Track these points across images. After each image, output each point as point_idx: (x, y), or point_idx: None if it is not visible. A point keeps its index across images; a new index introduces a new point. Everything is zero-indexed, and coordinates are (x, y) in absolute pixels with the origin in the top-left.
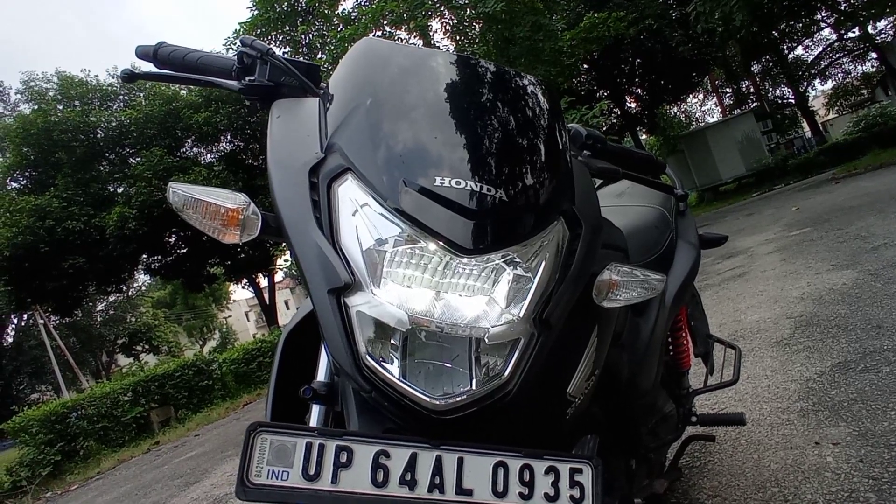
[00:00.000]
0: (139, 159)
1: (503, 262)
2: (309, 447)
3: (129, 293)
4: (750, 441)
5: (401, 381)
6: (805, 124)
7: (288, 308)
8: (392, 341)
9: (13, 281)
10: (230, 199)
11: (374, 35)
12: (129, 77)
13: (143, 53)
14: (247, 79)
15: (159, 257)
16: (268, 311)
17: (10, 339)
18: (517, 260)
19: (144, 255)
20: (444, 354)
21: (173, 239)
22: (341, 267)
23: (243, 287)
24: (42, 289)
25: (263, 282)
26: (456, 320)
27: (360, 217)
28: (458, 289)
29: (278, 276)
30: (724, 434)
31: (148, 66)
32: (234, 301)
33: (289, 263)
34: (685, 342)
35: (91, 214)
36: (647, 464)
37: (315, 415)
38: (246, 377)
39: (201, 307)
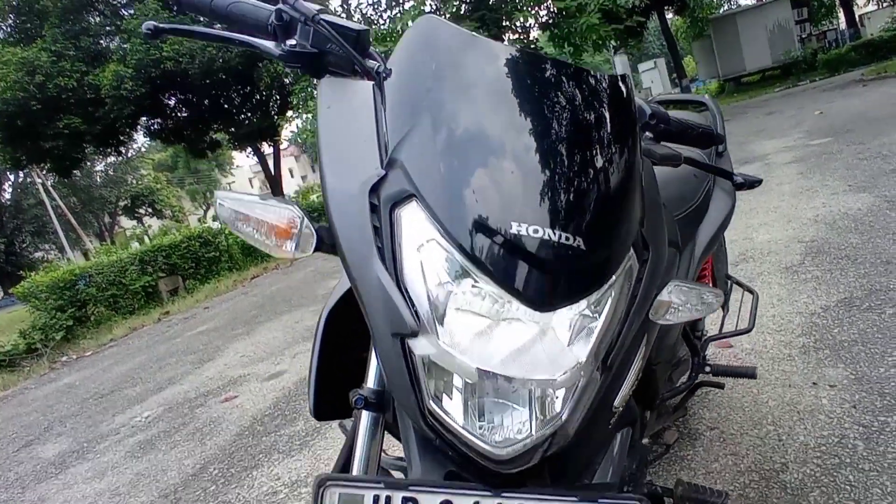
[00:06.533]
0: (132, 11)
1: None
2: (377, 500)
3: (129, 154)
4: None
5: (464, 430)
6: (841, 15)
7: (293, 176)
8: (455, 383)
9: (6, 139)
10: (282, 214)
11: None
12: (154, 33)
13: None
14: (288, 44)
15: (159, 120)
16: (273, 182)
17: (8, 197)
18: (584, 303)
19: (143, 118)
20: (503, 393)
21: (173, 101)
22: (407, 312)
23: (247, 156)
24: (37, 149)
25: (268, 149)
26: (523, 372)
27: (426, 253)
28: (525, 336)
29: (283, 144)
30: (722, 355)
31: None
32: (238, 166)
33: (295, 131)
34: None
35: (84, 71)
36: (658, 411)
37: (364, 422)
38: (253, 249)
39: (204, 171)
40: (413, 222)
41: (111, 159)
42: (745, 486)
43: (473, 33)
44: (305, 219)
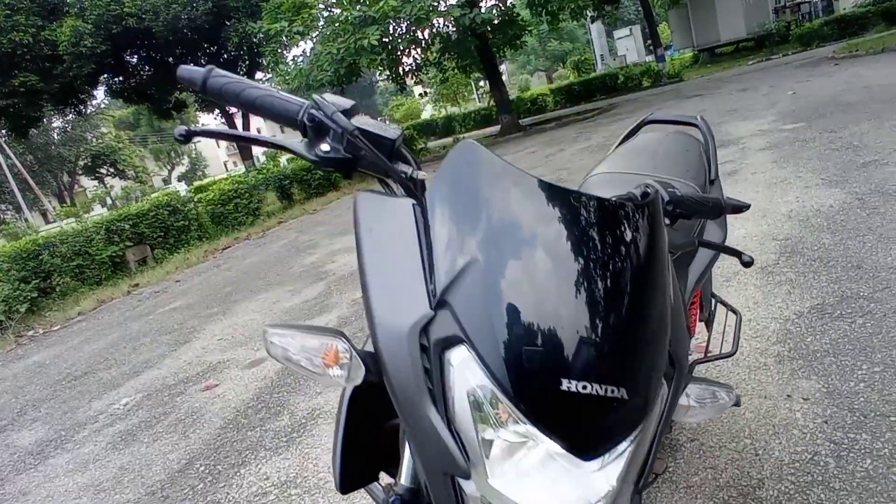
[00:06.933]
0: None
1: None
2: None
3: (87, 111)
4: (728, 381)
5: None
6: None
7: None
8: None
9: None
10: (329, 344)
11: None
12: (186, 136)
13: (188, 78)
14: (322, 149)
15: (121, 79)
16: (242, 146)
17: None
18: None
19: (104, 76)
20: None
21: (136, 59)
22: (458, 454)
23: (216, 118)
24: None
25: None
26: None
27: (476, 397)
28: (570, 477)
29: None
30: (705, 370)
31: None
32: (204, 125)
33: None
34: (694, 312)
35: (40, 26)
36: None
37: None
38: (223, 218)
39: (168, 129)
40: (463, 366)
41: (70, 116)
42: (724, 503)
43: (510, 164)
44: (352, 351)
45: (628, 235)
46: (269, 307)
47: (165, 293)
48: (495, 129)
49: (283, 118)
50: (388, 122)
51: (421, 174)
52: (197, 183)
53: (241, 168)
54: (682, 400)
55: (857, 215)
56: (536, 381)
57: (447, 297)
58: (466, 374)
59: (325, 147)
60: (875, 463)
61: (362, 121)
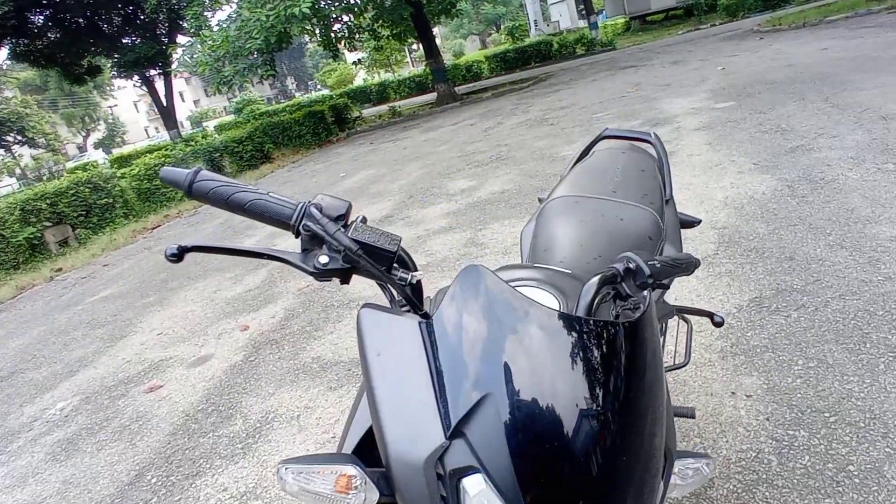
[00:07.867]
0: None
1: None
2: None
3: None
4: (677, 380)
5: None
6: None
7: (183, 100)
8: None
9: None
10: (343, 471)
11: None
12: (179, 255)
13: (171, 179)
14: (321, 262)
15: (26, 41)
16: (165, 114)
17: None
18: None
19: (7, 38)
20: None
21: (42, 20)
22: None
23: (135, 85)
24: None
25: (156, 72)
26: None
27: None
28: None
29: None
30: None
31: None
32: (120, 88)
33: (189, 60)
34: None
35: None
36: None
37: None
38: (150, 194)
39: (81, 93)
40: (480, 495)
41: None
42: (678, 502)
43: (515, 290)
44: (365, 476)
45: (631, 352)
46: (210, 297)
47: (93, 279)
48: (431, 96)
49: (278, 222)
50: (319, 88)
51: (417, 275)
52: (116, 151)
53: (165, 135)
54: (673, 479)
55: (787, 204)
56: None
57: (462, 428)
58: (483, 501)
59: (323, 259)
60: (812, 459)
61: (360, 230)
